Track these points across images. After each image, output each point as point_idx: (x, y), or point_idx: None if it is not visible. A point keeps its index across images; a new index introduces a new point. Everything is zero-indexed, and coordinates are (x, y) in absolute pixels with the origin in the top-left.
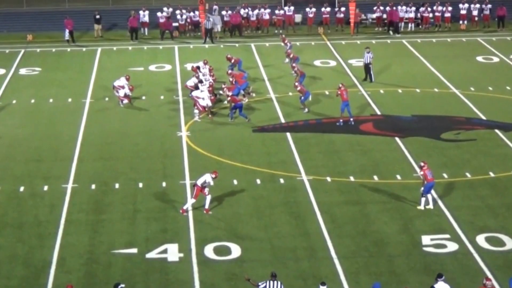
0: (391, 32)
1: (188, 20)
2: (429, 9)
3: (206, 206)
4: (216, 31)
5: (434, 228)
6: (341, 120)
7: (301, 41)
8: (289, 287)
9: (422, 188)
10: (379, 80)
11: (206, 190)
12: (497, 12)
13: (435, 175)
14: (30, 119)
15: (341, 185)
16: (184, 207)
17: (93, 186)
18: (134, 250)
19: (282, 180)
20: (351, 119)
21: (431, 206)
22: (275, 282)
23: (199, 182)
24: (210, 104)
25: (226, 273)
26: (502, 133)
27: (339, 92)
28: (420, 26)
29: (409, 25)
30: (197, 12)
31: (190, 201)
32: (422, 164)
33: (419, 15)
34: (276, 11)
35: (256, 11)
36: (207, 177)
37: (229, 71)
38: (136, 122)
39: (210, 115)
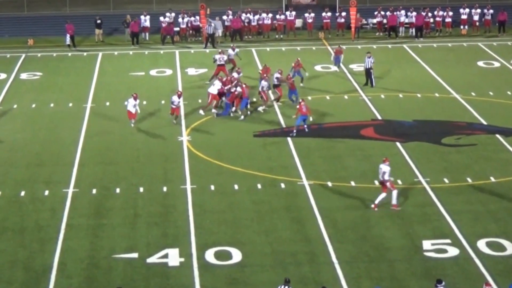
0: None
1: (189, 24)
2: (429, 14)
3: (394, 202)
4: (217, 36)
5: (435, 233)
6: (294, 131)
7: (302, 46)
8: None
9: None
10: (380, 85)
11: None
12: (498, 17)
13: (436, 180)
14: (31, 124)
15: (342, 190)
16: (376, 202)
17: (94, 191)
18: (135, 255)
19: (283, 185)
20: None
21: None
22: (285, 287)
23: (386, 176)
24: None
25: (227, 277)
26: (503, 138)
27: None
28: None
29: (410, 30)
30: (198, 17)
31: (381, 195)
32: None
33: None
34: (277, 16)
35: (257, 16)
36: (386, 168)
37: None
38: (136, 127)
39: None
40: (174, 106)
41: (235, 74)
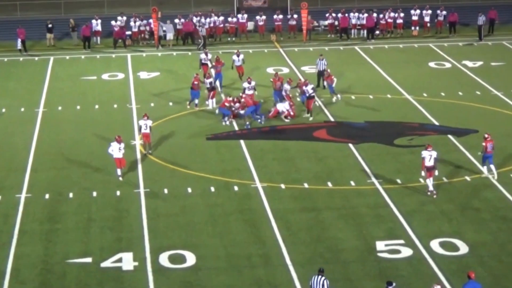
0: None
1: (142, 28)
2: (381, 15)
3: (431, 188)
4: (168, 39)
5: (389, 233)
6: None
7: (254, 48)
8: None
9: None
10: None
11: None
12: (448, 18)
13: (389, 181)
14: None
15: (295, 192)
16: (431, 189)
17: (47, 196)
18: (88, 260)
19: (236, 188)
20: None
21: (494, 174)
22: (319, 276)
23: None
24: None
25: (181, 281)
26: (455, 138)
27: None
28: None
29: (361, 31)
30: (150, 20)
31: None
32: (486, 135)
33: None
34: (229, 19)
35: (208, 19)
36: (434, 153)
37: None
38: (89, 131)
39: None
40: (145, 131)
41: (286, 86)
